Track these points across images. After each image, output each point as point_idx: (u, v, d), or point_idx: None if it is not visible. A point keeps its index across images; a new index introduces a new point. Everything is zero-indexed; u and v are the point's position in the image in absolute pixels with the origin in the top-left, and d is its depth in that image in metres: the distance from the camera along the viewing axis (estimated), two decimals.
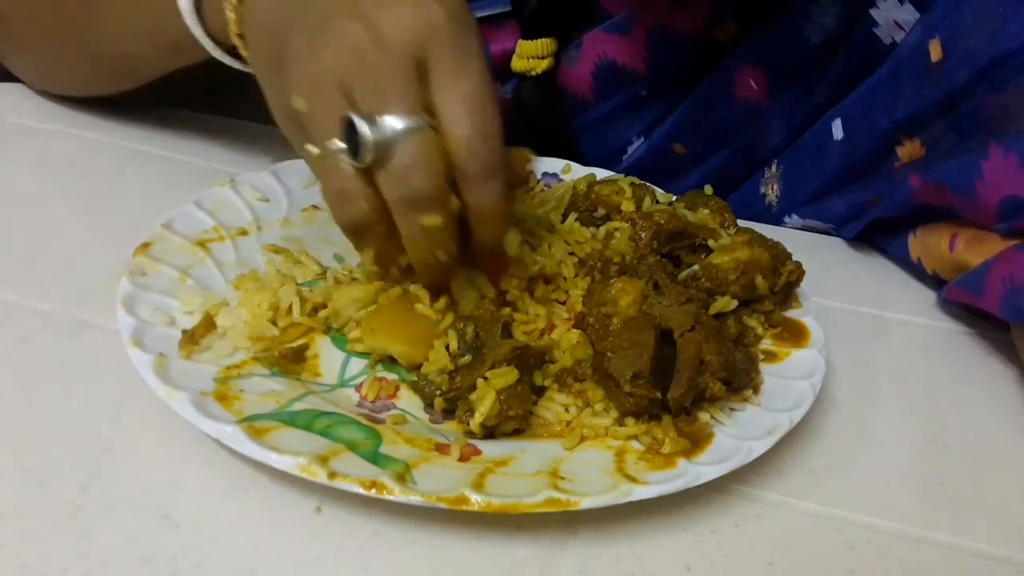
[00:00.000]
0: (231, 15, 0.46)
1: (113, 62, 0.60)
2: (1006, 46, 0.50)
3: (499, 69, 0.66)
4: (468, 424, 0.41)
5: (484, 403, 0.41)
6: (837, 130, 0.61)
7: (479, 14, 0.65)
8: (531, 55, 0.64)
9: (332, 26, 0.41)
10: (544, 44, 0.64)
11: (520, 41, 0.64)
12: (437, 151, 0.40)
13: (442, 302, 0.45)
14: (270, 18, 0.45)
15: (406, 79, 0.40)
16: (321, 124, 0.41)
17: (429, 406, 0.43)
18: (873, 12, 0.58)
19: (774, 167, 0.67)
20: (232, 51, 0.50)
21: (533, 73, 0.65)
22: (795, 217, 0.66)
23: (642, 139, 0.68)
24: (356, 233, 0.43)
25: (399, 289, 0.47)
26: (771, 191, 0.67)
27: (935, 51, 0.54)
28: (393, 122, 0.40)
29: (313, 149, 0.42)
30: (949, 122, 0.54)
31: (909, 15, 0.57)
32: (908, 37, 0.57)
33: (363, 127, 0.39)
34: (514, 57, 0.65)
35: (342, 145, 0.40)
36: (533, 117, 0.66)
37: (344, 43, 0.41)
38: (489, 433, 0.41)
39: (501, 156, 0.42)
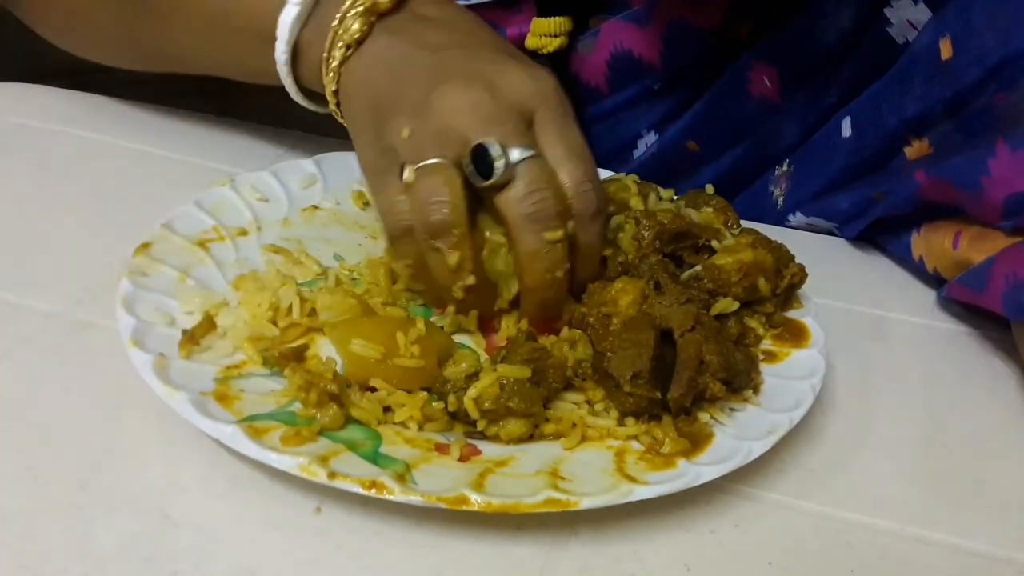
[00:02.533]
0: (330, 76, 0.50)
1: (176, 67, 0.62)
2: (1016, 45, 0.50)
3: None
4: (463, 404, 0.41)
5: (483, 381, 0.41)
6: (846, 128, 0.61)
7: None
8: (544, 33, 0.64)
9: (452, 83, 0.45)
10: (559, 22, 0.64)
11: (535, 19, 0.64)
12: (555, 178, 0.44)
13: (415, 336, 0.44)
14: (377, 76, 0.48)
15: (519, 125, 0.44)
16: (423, 148, 0.44)
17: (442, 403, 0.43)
18: (887, 12, 0.58)
19: (785, 166, 0.67)
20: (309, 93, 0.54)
21: (545, 51, 0.64)
22: (799, 215, 0.66)
23: (653, 134, 0.68)
24: (438, 235, 0.44)
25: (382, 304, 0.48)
26: (779, 189, 0.67)
27: (945, 49, 0.54)
28: (518, 153, 0.43)
29: (410, 171, 0.44)
30: (956, 122, 0.54)
31: (923, 15, 0.57)
32: (920, 36, 0.56)
33: (495, 150, 0.43)
34: (528, 35, 0.65)
35: (470, 167, 0.44)
36: None
37: (462, 95, 0.44)
38: (493, 436, 0.41)
39: (605, 202, 0.47)
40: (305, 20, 0.51)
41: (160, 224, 0.50)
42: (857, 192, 0.62)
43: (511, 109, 0.44)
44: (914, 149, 0.58)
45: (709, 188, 0.55)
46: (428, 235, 0.44)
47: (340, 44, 0.49)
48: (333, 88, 0.50)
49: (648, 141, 0.69)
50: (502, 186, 0.43)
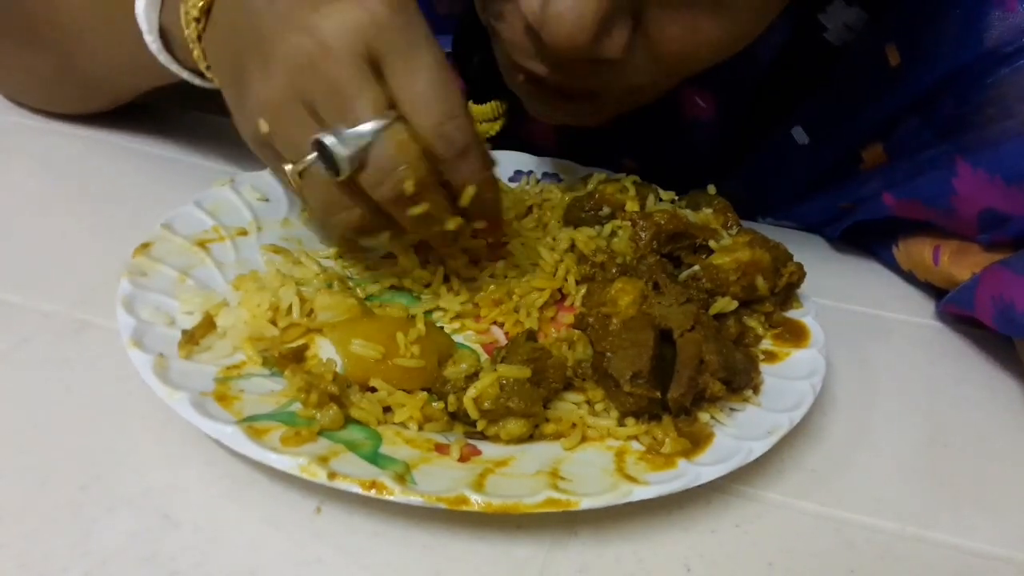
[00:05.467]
0: (195, 49, 0.47)
1: (88, 83, 0.60)
2: (964, 57, 0.50)
3: None
4: (463, 404, 0.41)
5: (483, 381, 0.41)
6: (800, 136, 0.60)
7: None
8: (483, 119, 0.62)
9: (278, 46, 0.41)
10: (494, 107, 0.62)
11: (470, 104, 0.62)
12: (409, 142, 0.41)
13: (415, 337, 0.45)
14: (225, 47, 0.45)
15: (362, 81, 0.40)
16: (290, 144, 0.42)
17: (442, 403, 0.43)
18: (821, 17, 0.57)
19: (729, 178, 0.66)
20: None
21: (487, 136, 0.63)
22: (769, 219, 0.66)
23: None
24: (360, 233, 0.44)
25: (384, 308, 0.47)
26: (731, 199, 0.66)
27: (893, 56, 0.54)
28: (361, 130, 0.40)
29: (289, 167, 0.43)
30: (923, 119, 0.54)
31: (858, 17, 0.56)
32: (862, 41, 0.56)
33: (335, 145, 0.40)
34: None
35: (319, 163, 0.41)
36: None
37: (293, 60, 0.40)
38: (493, 436, 0.41)
39: (471, 131, 0.42)
40: (160, 5, 0.49)
41: (160, 224, 0.50)
42: (822, 200, 0.61)
43: (345, 60, 0.40)
44: (870, 154, 0.57)
45: (711, 188, 0.55)
46: (344, 234, 0.45)
47: (191, 19, 0.46)
48: (205, 65, 0.48)
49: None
50: (360, 167, 0.41)
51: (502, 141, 0.63)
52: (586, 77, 0.47)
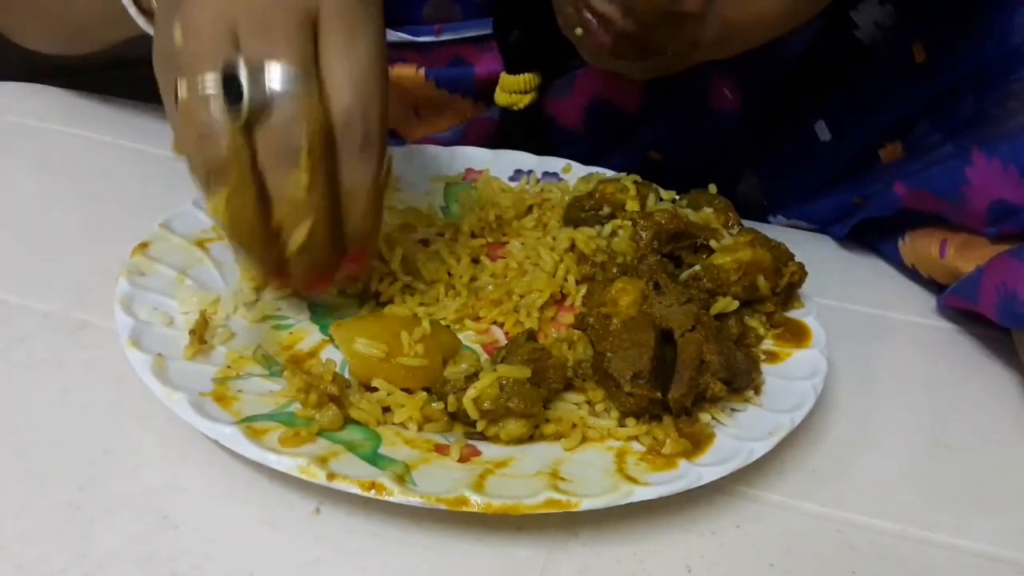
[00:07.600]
0: None
1: (66, 26, 0.61)
2: (986, 55, 0.50)
3: (484, 91, 0.64)
4: (463, 404, 0.41)
5: (483, 382, 0.41)
6: (823, 132, 0.60)
7: (463, 34, 0.63)
8: (514, 90, 0.62)
9: None
10: (527, 79, 0.61)
11: (503, 75, 0.62)
12: (318, 108, 0.38)
13: (418, 336, 0.44)
14: None
15: (297, 30, 0.38)
16: (196, 60, 0.39)
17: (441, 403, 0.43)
18: (853, 14, 0.57)
19: (751, 171, 0.66)
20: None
21: (516, 108, 0.63)
22: (780, 217, 0.66)
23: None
24: (214, 173, 0.39)
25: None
26: (751, 193, 0.66)
27: (919, 53, 0.54)
28: (276, 77, 0.38)
29: (183, 90, 0.39)
30: (934, 121, 0.54)
31: (889, 16, 0.57)
32: (890, 38, 0.56)
33: (244, 79, 0.37)
34: (497, 90, 0.63)
35: (220, 94, 0.38)
36: (517, 148, 0.63)
37: None
38: (493, 437, 0.41)
39: (380, 135, 0.40)
40: None
41: (158, 223, 0.50)
42: (837, 196, 0.61)
43: (291, 6, 0.38)
44: (888, 151, 0.57)
45: (712, 188, 0.55)
46: (205, 173, 0.40)
47: None
48: None
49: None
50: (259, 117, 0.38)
51: (530, 119, 0.63)
52: (657, 28, 0.46)
